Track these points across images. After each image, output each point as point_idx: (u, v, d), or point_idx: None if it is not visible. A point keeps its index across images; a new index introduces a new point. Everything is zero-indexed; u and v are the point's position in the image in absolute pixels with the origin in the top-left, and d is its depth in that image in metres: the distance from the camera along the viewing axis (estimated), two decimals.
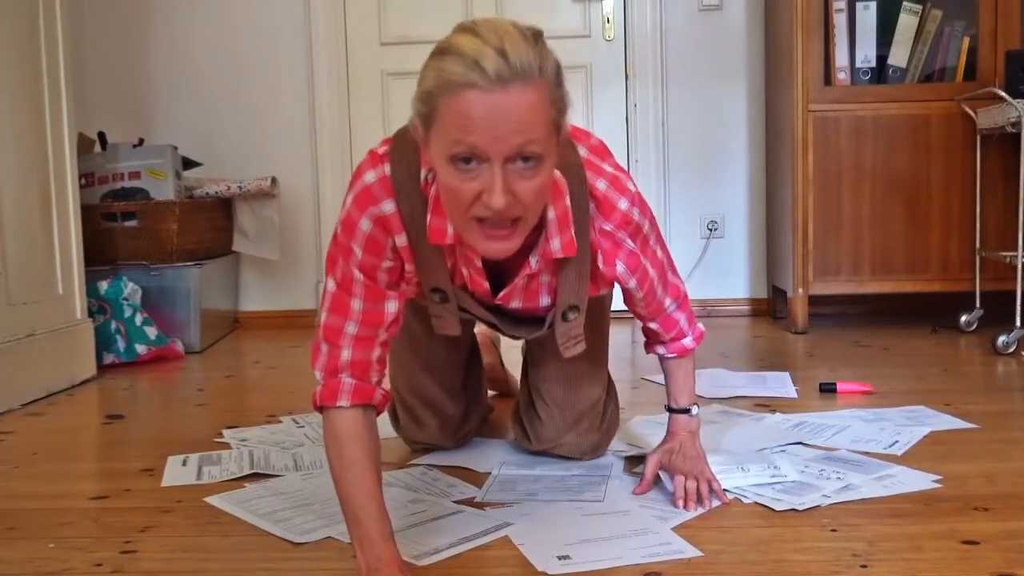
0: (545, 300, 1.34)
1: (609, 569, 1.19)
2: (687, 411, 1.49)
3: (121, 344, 2.77)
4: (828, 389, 2.17)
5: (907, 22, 3.05)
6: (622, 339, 2.98)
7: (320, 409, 1.24)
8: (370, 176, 1.21)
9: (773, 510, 1.38)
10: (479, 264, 1.25)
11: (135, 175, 3.05)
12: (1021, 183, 2.58)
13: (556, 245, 1.22)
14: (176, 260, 3.02)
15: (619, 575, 1.17)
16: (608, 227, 1.27)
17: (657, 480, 1.48)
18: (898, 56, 3.06)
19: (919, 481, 1.49)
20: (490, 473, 1.59)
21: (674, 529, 1.31)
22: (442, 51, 1.04)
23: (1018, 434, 1.80)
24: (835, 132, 3.00)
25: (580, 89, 3.50)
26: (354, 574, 1.14)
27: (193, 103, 3.57)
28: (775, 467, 1.54)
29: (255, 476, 1.62)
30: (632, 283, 1.33)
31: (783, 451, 1.67)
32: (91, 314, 2.70)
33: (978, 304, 2.96)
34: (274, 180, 3.26)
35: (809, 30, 2.98)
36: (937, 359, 2.57)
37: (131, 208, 2.99)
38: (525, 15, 1.08)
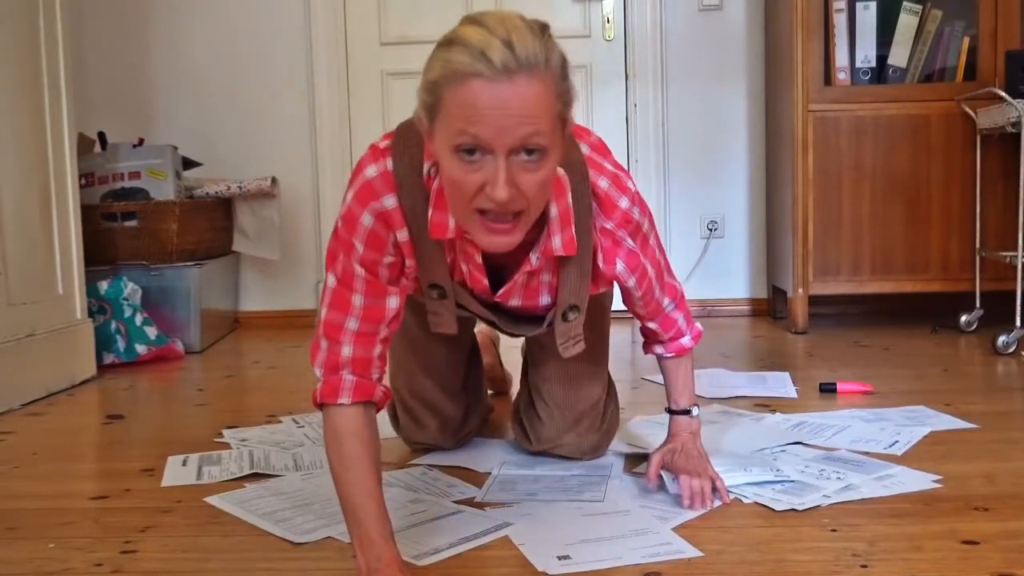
0: (545, 299, 1.34)
1: (609, 569, 1.18)
2: (688, 412, 1.49)
3: (121, 344, 2.77)
4: (828, 389, 2.17)
5: (907, 22, 3.05)
6: (622, 339, 2.98)
7: (320, 406, 1.23)
8: (371, 170, 1.20)
9: (773, 510, 1.38)
10: (479, 260, 1.25)
11: (135, 175, 3.05)
12: (1021, 183, 2.58)
13: (557, 243, 1.22)
14: (176, 260, 3.02)
15: (619, 575, 1.17)
16: (609, 225, 1.27)
17: (660, 481, 1.48)
18: (898, 56, 3.06)
19: (919, 481, 1.49)
20: (490, 473, 1.59)
21: (674, 529, 1.31)
22: (448, 42, 1.04)
23: (1018, 434, 1.80)
24: (835, 132, 3.00)
25: (580, 89, 3.42)
26: (354, 574, 1.14)
27: (193, 103, 3.57)
28: (776, 468, 1.54)
29: (255, 476, 1.62)
30: (631, 282, 1.33)
31: (783, 451, 1.67)
32: (91, 314, 2.70)
33: (978, 304, 2.96)
34: (274, 180, 3.26)
35: (809, 30, 2.98)
36: (937, 359, 2.57)
37: (131, 208, 2.99)
38: (525, 15, 1.08)
